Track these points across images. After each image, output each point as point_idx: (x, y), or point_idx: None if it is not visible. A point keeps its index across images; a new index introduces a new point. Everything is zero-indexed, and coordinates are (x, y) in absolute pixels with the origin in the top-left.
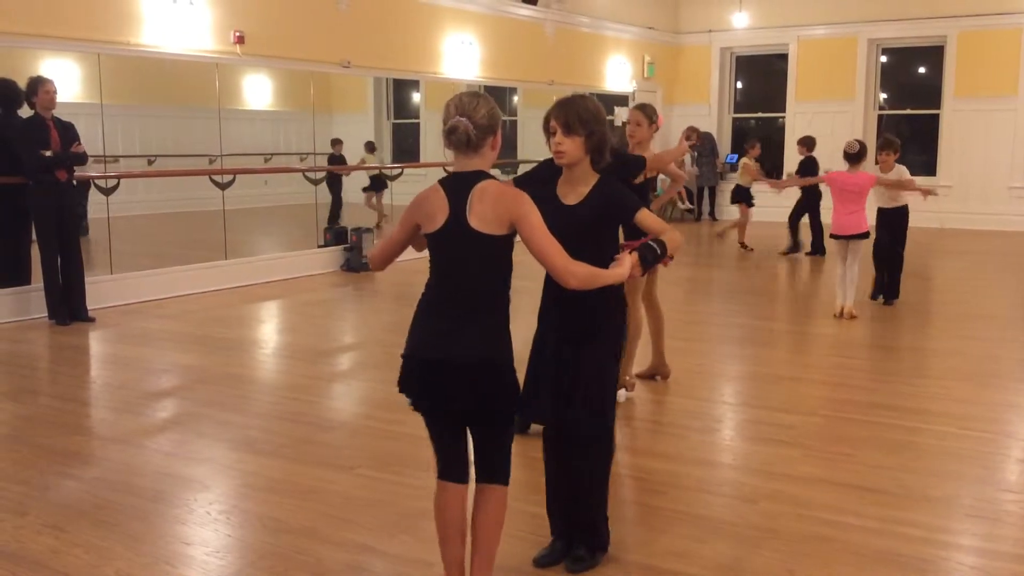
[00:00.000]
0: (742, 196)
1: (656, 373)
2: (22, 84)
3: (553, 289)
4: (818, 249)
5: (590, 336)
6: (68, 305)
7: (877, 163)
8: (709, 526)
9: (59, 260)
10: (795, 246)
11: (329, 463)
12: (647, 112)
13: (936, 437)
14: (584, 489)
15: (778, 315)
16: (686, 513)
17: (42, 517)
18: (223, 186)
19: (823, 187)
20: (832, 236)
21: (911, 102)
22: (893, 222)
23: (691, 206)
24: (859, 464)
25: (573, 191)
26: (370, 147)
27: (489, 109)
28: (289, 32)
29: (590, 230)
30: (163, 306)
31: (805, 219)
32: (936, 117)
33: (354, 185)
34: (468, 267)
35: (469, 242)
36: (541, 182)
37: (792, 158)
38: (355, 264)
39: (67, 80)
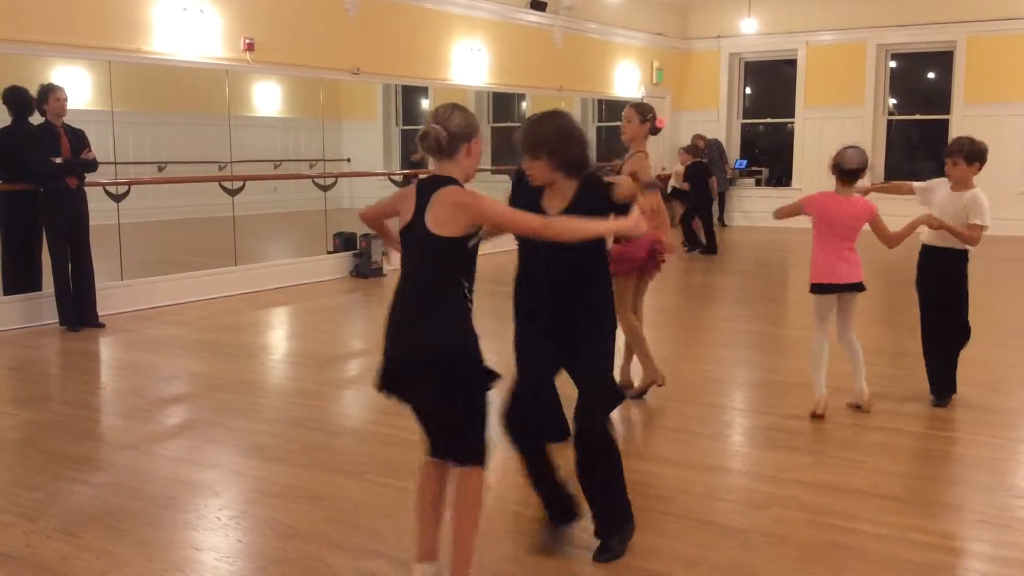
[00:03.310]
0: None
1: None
2: (33, 91)
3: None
4: (712, 249)
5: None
6: (79, 311)
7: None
8: (719, 533)
9: (70, 266)
10: (696, 244)
11: (339, 469)
12: (640, 109)
13: (948, 443)
14: (608, 483)
15: (788, 321)
16: (696, 520)
17: (53, 523)
18: (233, 192)
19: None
20: (816, 287)
21: (920, 108)
22: (945, 268)
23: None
24: (871, 470)
25: (558, 200)
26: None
27: (464, 119)
28: (299, 39)
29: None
30: (173, 312)
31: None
32: (946, 123)
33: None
34: (421, 264)
35: (424, 242)
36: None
37: (802, 166)
38: (364, 270)
39: (78, 87)
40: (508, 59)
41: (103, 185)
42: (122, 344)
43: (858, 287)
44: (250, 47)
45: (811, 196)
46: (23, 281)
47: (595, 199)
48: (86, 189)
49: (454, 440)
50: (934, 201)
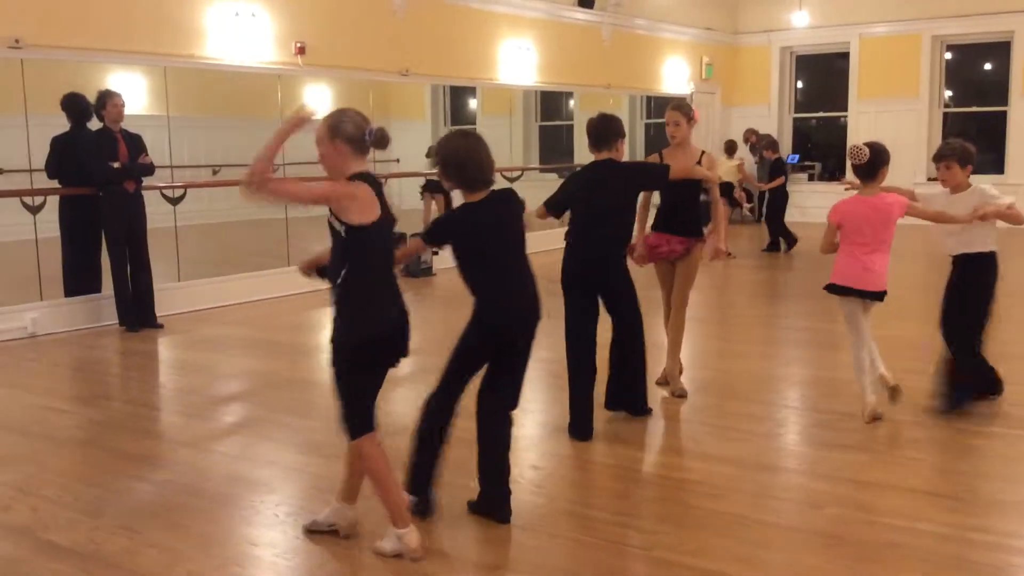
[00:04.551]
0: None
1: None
2: (91, 98)
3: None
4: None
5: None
6: (138, 312)
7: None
8: (774, 532)
9: (128, 268)
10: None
11: (394, 467)
12: (684, 110)
13: (1007, 441)
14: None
15: (842, 318)
16: (750, 519)
17: (116, 519)
18: None
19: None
20: (839, 291)
21: (977, 100)
22: (973, 276)
23: (751, 204)
24: (928, 469)
25: None
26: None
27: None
28: (348, 42)
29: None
30: (229, 312)
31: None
32: (1004, 114)
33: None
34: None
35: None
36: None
37: None
38: (414, 270)
39: (134, 93)
40: (556, 57)
41: (160, 189)
42: (180, 344)
43: (876, 296)
44: (301, 51)
45: (835, 205)
46: (84, 283)
47: None
48: (143, 193)
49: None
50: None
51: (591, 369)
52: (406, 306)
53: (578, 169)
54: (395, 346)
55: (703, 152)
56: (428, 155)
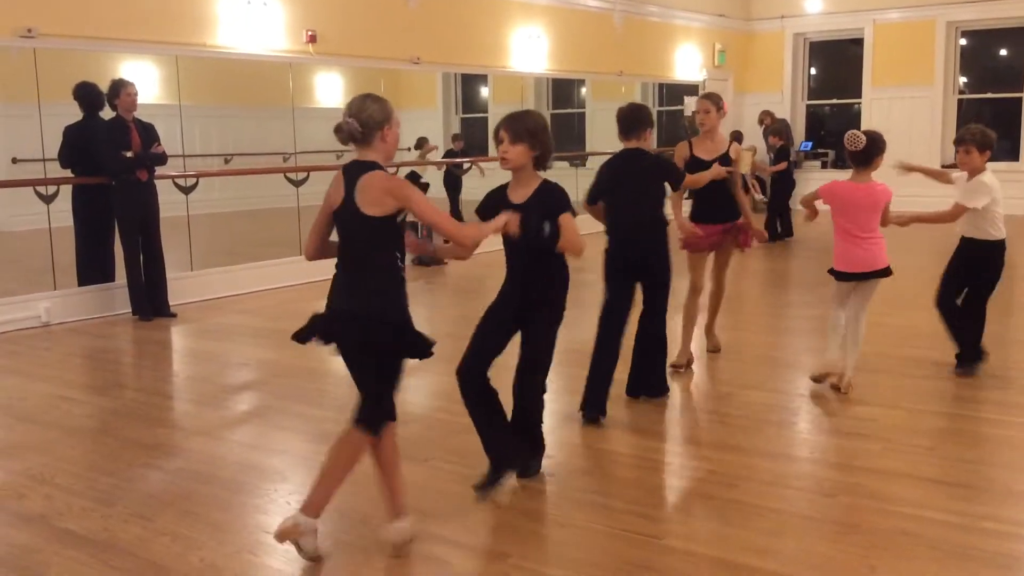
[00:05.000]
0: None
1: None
2: (103, 87)
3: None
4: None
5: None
6: (151, 301)
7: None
8: (787, 521)
9: (141, 257)
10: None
11: (404, 455)
12: (714, 100)
13: (1020, 430)
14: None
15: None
16: (763, 507)
17: (130, 507)
18: (297, 183)
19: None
20: (835, 273)
21: (992, 86)
22: (983, 260)
23: (763, 198)
24: (941, 458)
25: (520, 192)
26: (419, 143)
27: (377, 108)
28: (360, 30)
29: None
30: (242, 301)
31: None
32: (1019, 101)
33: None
34: (357, 241)
35: (355, 220)
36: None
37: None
38: (426, 259)
39: (146, 82)
40: (567, 45)
41: (172, 178)
42: (193, 333)
43: (879, 274)
44: (312, 39)
45: (828, 184)
46: (97, 273)
47: (548, 200)
48: (156, 182)
49: (363, 401)
50: (957, 192)
51: (614, 353)
52: None
53: (608, 159)
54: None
55: (731, 142)
56: (417, 147)
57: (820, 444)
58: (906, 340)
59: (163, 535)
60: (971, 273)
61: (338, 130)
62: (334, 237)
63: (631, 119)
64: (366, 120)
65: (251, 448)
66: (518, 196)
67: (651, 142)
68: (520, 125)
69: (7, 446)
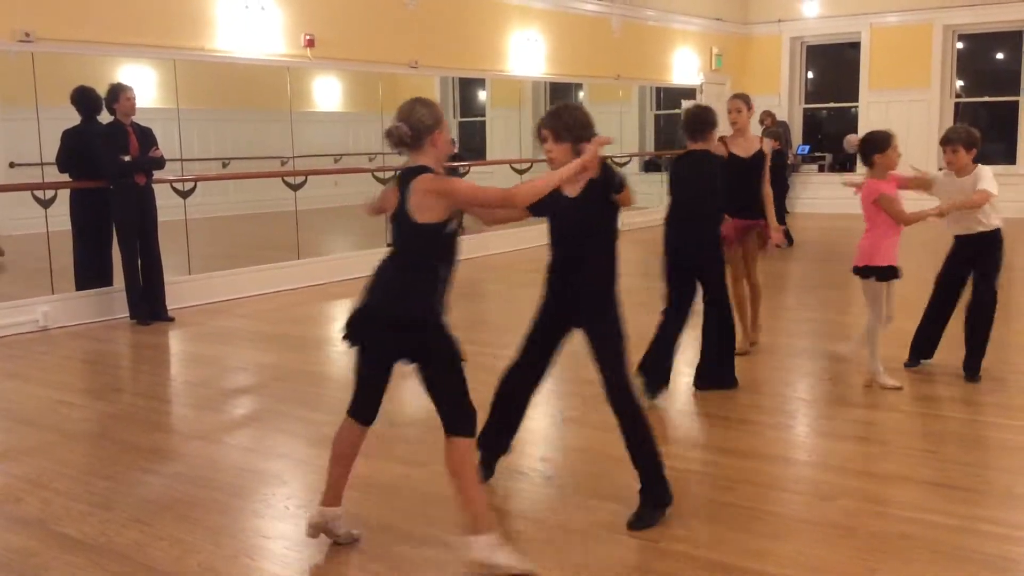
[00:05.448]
0: None
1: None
2: (101, 91)
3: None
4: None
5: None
6: (149, 305)
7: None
8: (786, 524)
9: (139, 262)
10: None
11: (405, 459)
12: (744, 99)
13: (1020, 433)
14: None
15: (854, 308)
16: (761, 510)
17: (127, 511)
18: (295, 187)
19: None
20: (860, 272)
21: (989, 89)
22: (979, 253)
23: None
24: (941, 461)
25: (571, 187)
26: None
27: (426, 112)
28: (358, 34)
29: (592, 216)
30: (240, 305)
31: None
32: (1015, 104)
33: None
34: (404, 245)
35: (406, 225)
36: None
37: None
38: None
39: (144, 86)
40: (565, 48)
41: (170, 182)
42: (191, 337)
43: (879, 273)
44: (310, 43)
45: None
46: (95, 277)
47: (609, 177)
48: (154, 186)
49: (446, 410)
50: (947, 192)
51: (676, 335)
52: None
53: (675, 159)
54: None
55: (762, 139)
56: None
57: (819, 447)
58: (904, 342)
59: (161, 539)
60: (974, 265)
61: (388, 135)
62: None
63: (697, 121)
64: (416, 124)
65: (249, 452)
66: (572, 189)
67: (715, 142)
68: (560, 123)
69: (5, 450)
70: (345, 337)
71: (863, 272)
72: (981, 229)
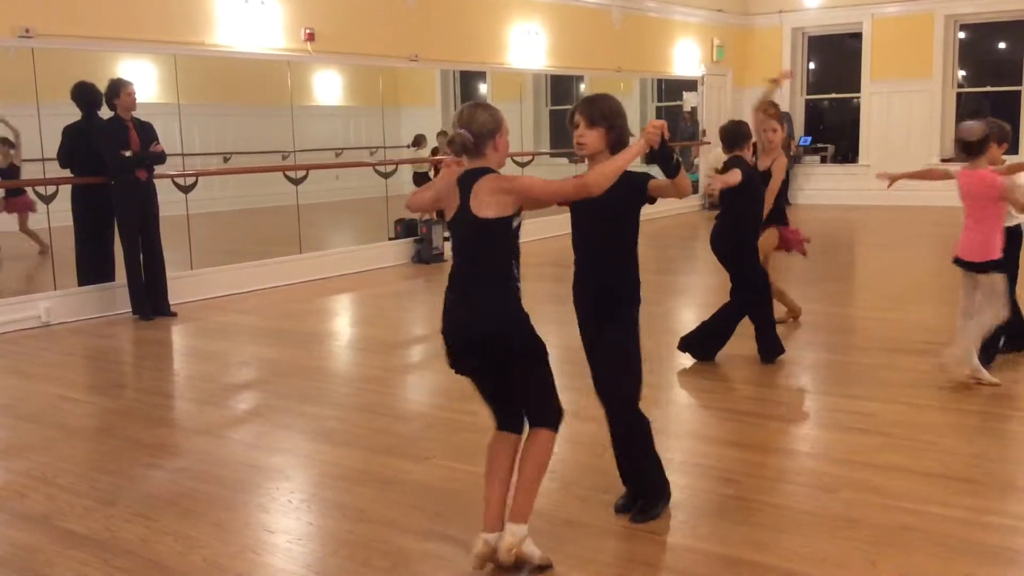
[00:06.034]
0: None
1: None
2: (102, 86)
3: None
4: None
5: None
6: (151, 300)
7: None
8: (789, 516)
9: (141, 257)
10: None
11: (406, 453)
12: (779, 118)
13: (1023, 424)
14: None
15: (856, 301)
16: (764, 503)
17: (132, 507)
18: (296, 181)
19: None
20: (954, 261)
21: (991, 79)
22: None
23: None
24: (944, 452)
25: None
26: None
27: (488, 118)
28: (358, 28)
29: (616, 211)
30: (241, 300)
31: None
32: (1018, 94)
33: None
34: (472, 247)
35: (471, 226)
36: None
37: (868, 142)
38: (425, 256)
39: (144, 81)
40: (566, 41)
41: (171, 177)
42: (193, 332)
43: (970, 266)
44: (311, 37)
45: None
46: (97, 272)
47: (632, 183)
48: (155, 181)
49: (523, 399)
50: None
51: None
52: None
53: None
54: None
55: (775, 159)
56: (415, 144)
57: (821, 439)
58: (906, 334)
59: (165, 535)
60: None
61: (451, 142)
62: None
63: (733, 135)
64: (478, 131)
65: (253, 447)
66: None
67: (751, 152)
68: (595, 109)
69: (8, 446)
70: (451, 366)
71: (982, 268)
72: (1008, 223)
